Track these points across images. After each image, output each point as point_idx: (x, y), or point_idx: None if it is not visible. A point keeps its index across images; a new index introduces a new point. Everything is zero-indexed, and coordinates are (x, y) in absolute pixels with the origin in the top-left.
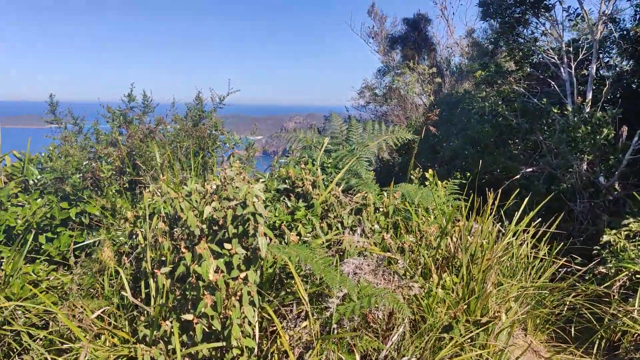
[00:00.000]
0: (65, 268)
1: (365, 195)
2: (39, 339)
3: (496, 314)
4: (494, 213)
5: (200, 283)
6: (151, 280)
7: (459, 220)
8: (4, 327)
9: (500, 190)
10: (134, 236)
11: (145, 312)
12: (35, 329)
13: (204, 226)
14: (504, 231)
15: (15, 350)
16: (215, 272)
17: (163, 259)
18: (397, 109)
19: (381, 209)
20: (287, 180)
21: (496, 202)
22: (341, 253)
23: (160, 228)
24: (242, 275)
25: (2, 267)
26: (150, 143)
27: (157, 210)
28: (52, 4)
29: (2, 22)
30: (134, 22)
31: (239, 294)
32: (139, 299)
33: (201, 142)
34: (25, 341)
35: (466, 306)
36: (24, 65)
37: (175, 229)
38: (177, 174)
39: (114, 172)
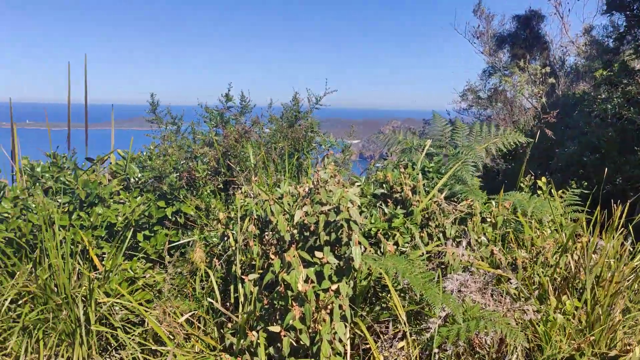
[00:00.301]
0: (161, 266)
1: (471, 203)
2: (134, 336)
3: (627, 347)
4: (621, 229)
5: (289, 293)
6: (240, 286)
7: (581, 236)
8: (102, 321)
9: (628, 203)
10: (225, 238)
11: (233, 319)
12: (131, 325)
13: (295, 231)
14: (632, 250)
15: (112, 345)
16: (304, 282)
17: (253, 263)
18: (502, 112)
19: (489, 220)
20: (384, 185)
21: (623, 216)
22: (443, 267)
23: (251, 231)
24: (334, 287)
25: (102, 263)
26: (245, 143)
27: (249, 212)
28: (139, 10)
29: (111, 29)
30: (225, 24)
31: (329, 307)
32: (228, 304)
33: (296, 143)
34: (121, 337)
35: (592, 337)
36: (129, 71)
37: (266, 233)
38: (270, 175)
39: (209, 172)
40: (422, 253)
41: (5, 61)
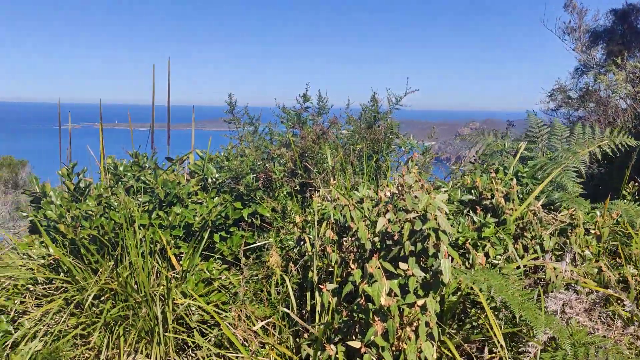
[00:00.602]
0: (237, 268)
1: (573, 212)
2: (210, 338)
3: None
4: None
5: (370, 306)
6: (317, 294)
7: None
8: (179, 321)
9: None
10: (301, 242)
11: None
12: (207, 327)
13: (376, 239)
14: None
15: (188, 345)
16: (388, 295)
17: (330, 269)
18: (595, 113)
19: (592, 231)
20: (472, 191)
21: None
22: (542, 284)
23: (329, 237)
24: (420, 302)
25: (180, 262)
26: (322, 145)
27: (326, 216)
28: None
29: (192, 32)
30: (301, 25)
31: (415, 324)
32: (304, 311)
33: (375, 145)
34: (196, 340)
35: None
36: (209, 73)
37: (344, 239)
38: (348, 178)
39: (286, 174)
40: (519, 267)
41: (95, 65)
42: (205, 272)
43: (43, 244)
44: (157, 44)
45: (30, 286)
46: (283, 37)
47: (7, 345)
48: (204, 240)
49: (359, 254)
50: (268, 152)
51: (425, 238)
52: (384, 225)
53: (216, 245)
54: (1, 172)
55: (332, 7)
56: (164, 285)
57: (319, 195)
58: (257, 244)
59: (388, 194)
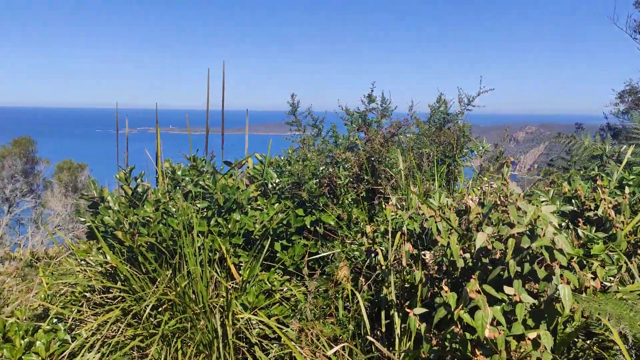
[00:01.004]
0: (298, 278)
1: None
2: (272, 355)
3: None
4: None
5: (468, 336)
6: (395, 314)
7: None
8: (239, 335)
9: None
10: (372, 255)
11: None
12: (268, 341)
13: (467, 255)
14: None
15: None
16: (491, 325)
17: (406, 286)
18: None
19: None
20: (573, 201)
21: None
22: None
23: (408, 251)
24: (532, 335)
25: (239, 272)
26: (391, 148)
27: (398, 226)
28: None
29: (244, 37)
30: (366, 26)
31: None
32: (378, 332)
33: (445, 148)
34: (258, 357)
35: None
36: (261, 78)
37: (424, 253)
38: (419, 183)
39: (351, 179)
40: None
41: (150, 70)
42: (266, 283)
43: (100, 251)
44: (205, 50)
45: (87, 294)
46: (343, 38)
47: (65, 355)
48: (265, 249)
49: (445, 272)
50: (332, 156)
51: (534, 258)
52: (483, 242)
53: (277, 255)
54: (62, 175)
55: (392, 9)
56: (223, 297)
57: (392, 204)
58: (321, 254)
59: (472, 203)
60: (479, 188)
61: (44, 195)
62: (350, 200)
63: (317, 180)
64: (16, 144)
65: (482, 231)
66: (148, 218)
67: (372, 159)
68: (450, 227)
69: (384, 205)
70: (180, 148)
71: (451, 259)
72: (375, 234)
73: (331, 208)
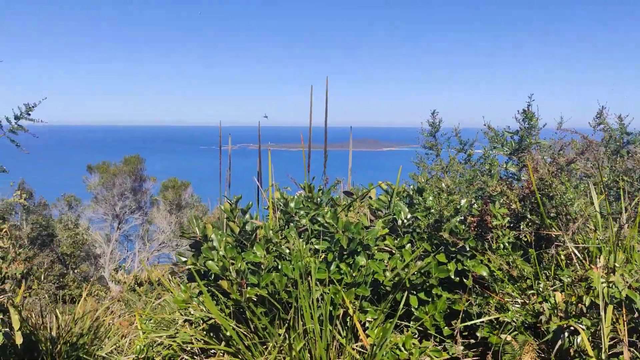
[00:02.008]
0: (436, 340)
1: None
2: None
3: None
4: None
5: None
6: None
7: None
8: None
9: None
10: (564, 335)
11: None
12: None
13: None
14: None
15: None
16: None
17: None
18: None
19: None
20: None
21: None
22: None
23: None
24: None
25: (366, 332)
26: (563, 178)
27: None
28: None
29: (347, 51)
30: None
31: None
32: None
33: (632, 178)
34: None
35: None
36: (359, 94)
37: None
38: (600, 227)
39: (510, 218)
40: None
41: (251, 89)
42: (401, 351)
43: (202, 301)
44: (314, 66)
45: (187, 345)
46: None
47: None
48: (401, 305)
49: None
50: (483, 188)
51: None
52: None
53: (413, 312)
54: (167, 193)
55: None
56: None
57: (600, 265)
58: (476, 320)
59: None
60: None
61: (151, 212)
62: (506, 244)
63: (462, 218)
64: (126, 162)
65: None
66: (259, 263)
67: (540, 192)
68: None
69: (561, 257)
70: (279, 164)
71: None
72: (567, 302)
73: (484, 255)
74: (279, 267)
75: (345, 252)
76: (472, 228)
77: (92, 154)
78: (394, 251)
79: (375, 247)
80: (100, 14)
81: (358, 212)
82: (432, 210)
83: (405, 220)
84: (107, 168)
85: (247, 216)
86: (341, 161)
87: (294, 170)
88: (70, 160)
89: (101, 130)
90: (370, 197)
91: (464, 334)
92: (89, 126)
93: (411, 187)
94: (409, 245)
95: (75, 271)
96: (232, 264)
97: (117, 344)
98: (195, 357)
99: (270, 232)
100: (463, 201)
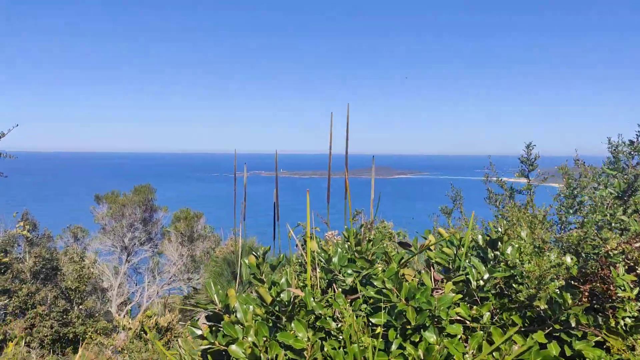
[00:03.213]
0: None
1: None
2: None
3: None
4: None
5: None
6: None
7: None
8: None
9: None
10: None
11: None
12: None
13: None
14: None
15: None
16: None
17: None
18: None
19: None
20: None
21: None
22: None
23: None
24: None
25: None
26: None
27: None
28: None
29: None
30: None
31: None
32: None
33: None
34: None
35: None
36: (380, 120)
37: None
38: None
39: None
40: None
41: (268, 115)
42: None
43: None
44: (333, 92)
45: None
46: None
47: None
48: None
49: None
50: (597, 240)
51: None
52: None
53: None
54: (178, 225)
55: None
56: None
57: None
58: None
59: None
60: None
61: (161, 244)
62: (630, 320)
63: (565, 283)
64: (136, 192)
65: None
66: (300, 343)
67: None
68: None
69: None
70: (289, 190)
71: None
72: None
73: (595, 333)
74: (323, 348)
75: (409, 327)
76: (585, 297)
77: (103, 180)
78: (467, 322)
79: (448, 318)
80: (104, 28)
81: (412, 267)
82: (530, 276)
83: (481, 283)
84: (116, 198)
85: (283, 280)
86: (356, 188)
87: (311, 200)
88: (77, 189)
89: (116, 157)
90: (429, 249)
91: None
92: (104, 153)
93: (480, 237)
94: (487, 314)
95: (80, 307)
96: (266, 350)
97: None
98: None
99: (313, 302)
100: (568, 259)
